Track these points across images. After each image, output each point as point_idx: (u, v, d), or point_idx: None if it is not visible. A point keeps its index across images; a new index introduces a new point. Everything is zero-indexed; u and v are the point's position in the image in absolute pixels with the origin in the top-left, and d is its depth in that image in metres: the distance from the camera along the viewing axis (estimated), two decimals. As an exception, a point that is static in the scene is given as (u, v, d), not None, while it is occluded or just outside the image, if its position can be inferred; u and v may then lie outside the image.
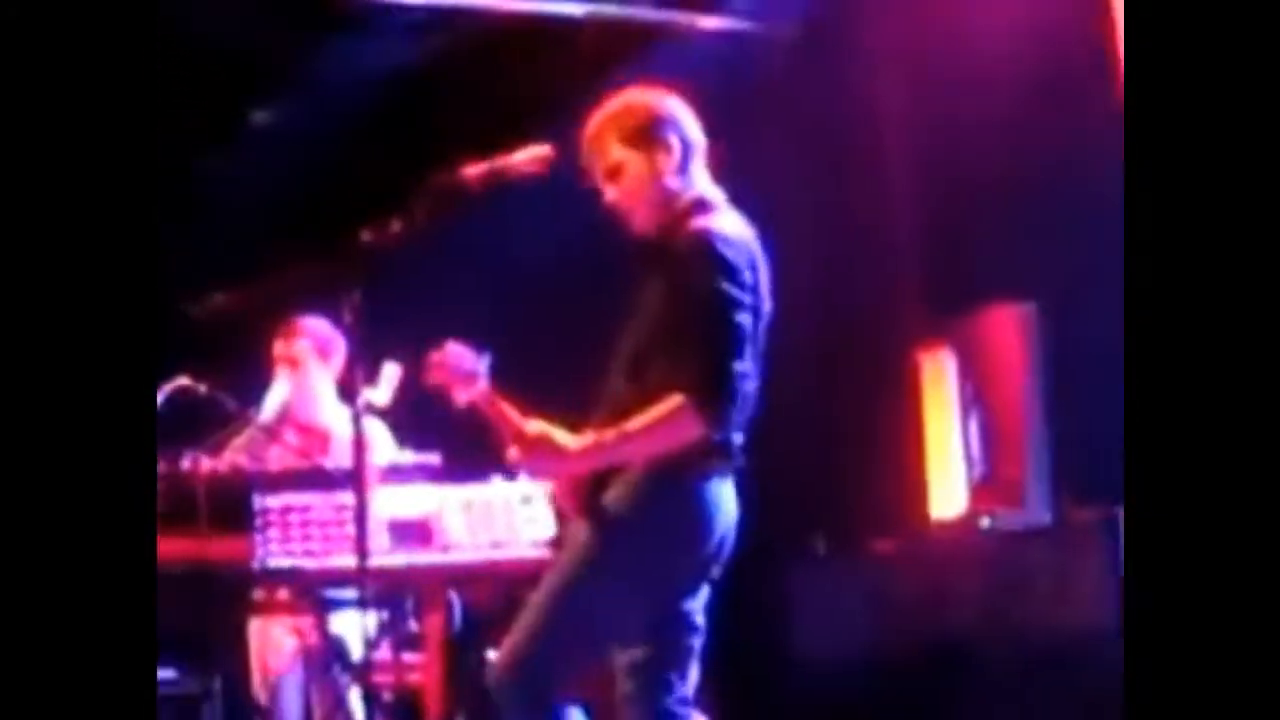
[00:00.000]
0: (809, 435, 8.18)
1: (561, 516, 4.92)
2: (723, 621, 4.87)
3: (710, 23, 8.45)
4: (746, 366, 4.36)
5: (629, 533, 4.38)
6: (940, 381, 7.87)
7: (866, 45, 8.45)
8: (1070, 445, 7.41)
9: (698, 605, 4.55)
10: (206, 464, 5.85)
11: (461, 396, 4.63)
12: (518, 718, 4.41)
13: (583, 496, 4.49)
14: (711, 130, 4.83)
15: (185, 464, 5.76)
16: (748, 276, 4.40)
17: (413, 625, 6.25)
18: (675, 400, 4.24)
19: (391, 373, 5.61)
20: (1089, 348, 7.37)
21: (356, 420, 5.07)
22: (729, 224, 4.48)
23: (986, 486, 7.61)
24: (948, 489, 7.80)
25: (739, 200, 4.71)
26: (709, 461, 4.37)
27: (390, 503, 5.53)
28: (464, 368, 4.60)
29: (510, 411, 4.59)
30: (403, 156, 4.88)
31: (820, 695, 7.28)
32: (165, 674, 6.61)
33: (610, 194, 4.56)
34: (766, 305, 4.52)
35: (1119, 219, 7.35)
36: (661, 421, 4.26)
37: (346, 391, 6.37)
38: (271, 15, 8.11)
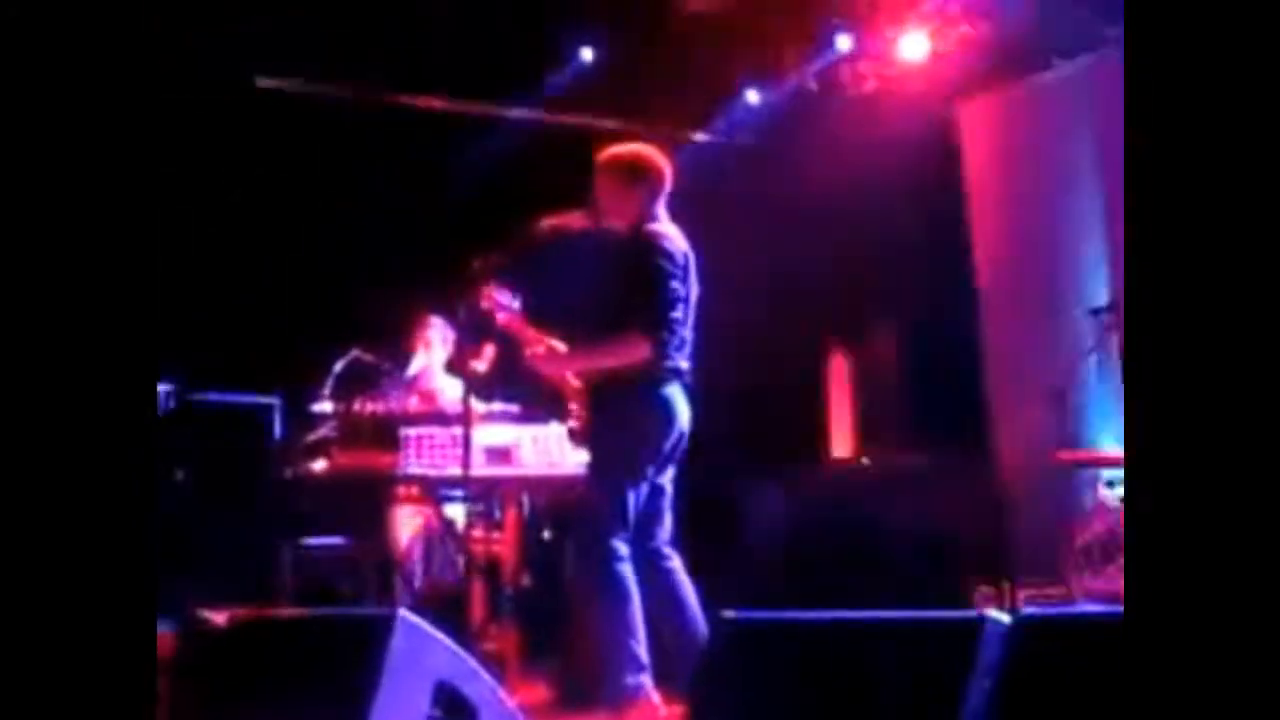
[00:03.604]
0: (763, 405, 8.19)
1: (576, 441, 4.93)
2: (705, 515, 4.90)
3: (701, 136, 8.57)
4: (679, 315, 4.45)
5: (619, 429, 4.44)
6: (841, 373, 7.94)
7: (798, 152, 8.48)
8: (924, 413, 7.48)
9: (666, 479, 4.56)
10: (370, 406, 5.88)
11: (501, 319, 4.68)
12: (592, 564, 4.38)
13: (587, 420, 4.57)
14: (698, 202, 4.87)
15: (356, 405, 5.77)
16: (680, 261, 4.48)
17: (497, 514, 6.27)
18: (632, 331, 4.37)
19: (489, 351, 5.63)
20: (933, 350, 7.45)
21: (467, 381, 5.14)
22: (669, 231, 4.55)
23: (865, 439, 7.67)
24: (843, 439, 7.87)
25: (715, 252, 4.75)
26: (663, 377, 4.42)
27: (485, 435, 5.53)
28: (502, 301, 4.66)
29: (532, 332, 4.67)
30: (502, 214, 4.88)
31: (764, 560, 7.29)
32: (338, 540, 6.66)
33: (602, 200, 4.61)
34: (694, 289, 4.57)
35: (956, 275, 7.43)
36: (622, 343, 4.38)
37: (454, 364, 6.43)
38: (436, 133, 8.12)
